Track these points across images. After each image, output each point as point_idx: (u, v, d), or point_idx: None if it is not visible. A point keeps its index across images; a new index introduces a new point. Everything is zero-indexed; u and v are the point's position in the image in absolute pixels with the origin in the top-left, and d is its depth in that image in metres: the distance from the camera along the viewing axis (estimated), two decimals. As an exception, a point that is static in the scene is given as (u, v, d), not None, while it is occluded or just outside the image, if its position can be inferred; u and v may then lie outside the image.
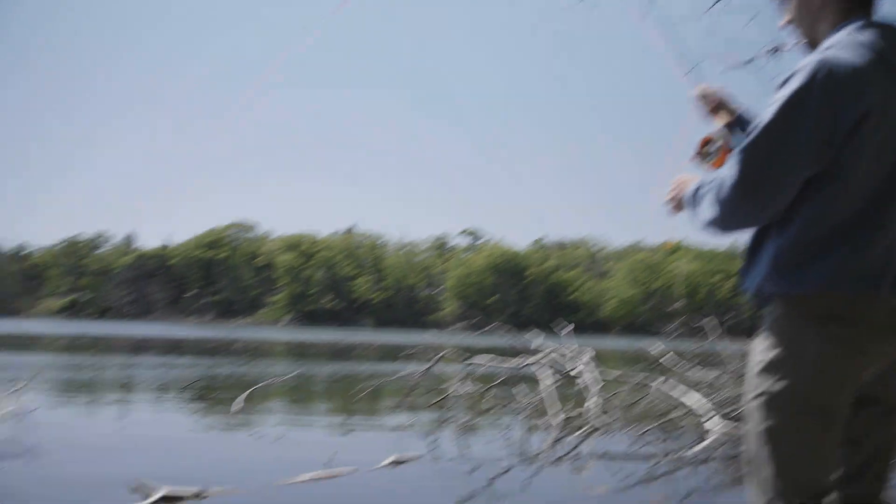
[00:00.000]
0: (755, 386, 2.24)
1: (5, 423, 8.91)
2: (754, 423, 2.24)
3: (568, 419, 9.92)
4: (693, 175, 2.53)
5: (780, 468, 2.18)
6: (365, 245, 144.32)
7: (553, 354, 10.94)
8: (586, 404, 9.88)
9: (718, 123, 2.68)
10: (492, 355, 12.65)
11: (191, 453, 7.30)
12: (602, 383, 10.38)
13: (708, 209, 2.28)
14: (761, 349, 2.26)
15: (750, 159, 2.13)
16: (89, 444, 7.65)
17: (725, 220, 2.26)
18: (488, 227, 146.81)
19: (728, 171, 2.19)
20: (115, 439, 8.02)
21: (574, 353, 11.10)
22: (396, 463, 6.94)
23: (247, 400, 11.06)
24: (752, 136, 2.15)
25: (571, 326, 12.94)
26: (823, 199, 2.13)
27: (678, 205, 2.54)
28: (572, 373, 10.68)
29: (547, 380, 10.47)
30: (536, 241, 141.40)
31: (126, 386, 15.24)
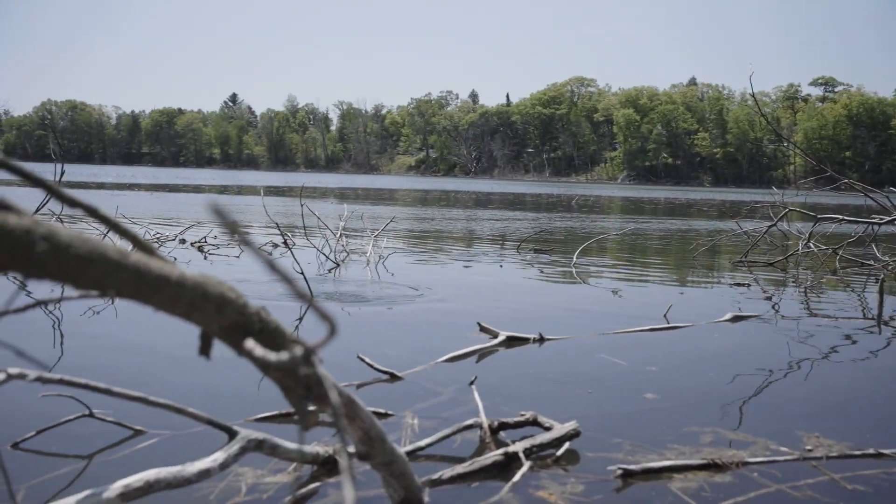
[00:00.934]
0: None
1: (369, 266, 9.81)
2: None
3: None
4: None
5: None
6: (708, 97, 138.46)
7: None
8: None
9: None
10: (843, 215, 11.75)
11: (530, 303, 7.57)
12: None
13: None
14: None
15: None
16: (440, 287, 8.19)
17: None
18: (845, 75, 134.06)
19: None
20: (463, 285, 8.53)
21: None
22: (736, 319, 6.76)
23: (583, 254, 11.25)
24: None
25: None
26: None
27: None
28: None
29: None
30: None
31: (470, 237, 16.10)
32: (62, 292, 5.23)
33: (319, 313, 1.08)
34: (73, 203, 1.29)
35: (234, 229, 1.05)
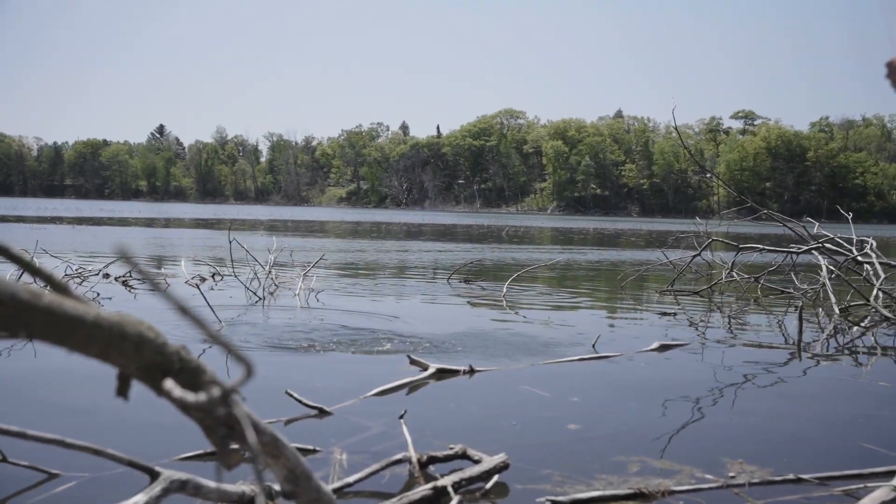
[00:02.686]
0: None
1: (298, 299, 9.74)
2: None
3: (847, 309, 9.35)
4: None
5: None
6: (634, 129, 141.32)
7: (830, 244, 10.25)
8: (872, 294, 9.26)
9: None
10: (764, 244, 12.09)
11: (461, 333, 7.59)
12: (888, 274, 9.65)
13: None
14: None
15: None
16: (371, 320, 8.16)
17: None
18: (764, 109, 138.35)
19: None
20: (394, 316, 8.51)
21: (856, 243, 10.37)
22: (663, 347, 6.87)
23: (514, 284, 11.33)
24: None
25: (850, 215, 12.05)
26: None
27: None
28: (856, 261, 9.99)
29: (825, 269, 9.87)
30: (819, 121, 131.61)
31: (402, 268, 16.10)
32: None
33: (235, 355, 1.07)
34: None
35: (143, 273, 1.04)
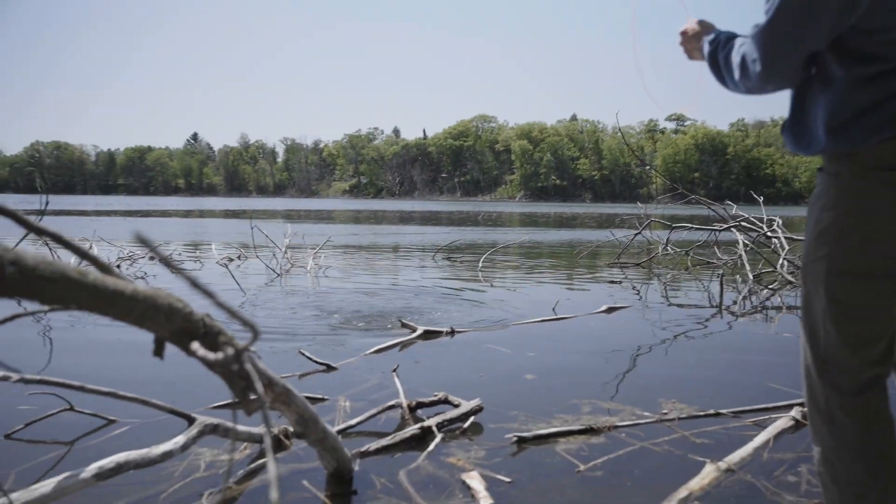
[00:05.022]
0: (815, 249, 1.84)
1: (309, 275, 9.71)
2: (818, 288, 1.84)
3: (759, 276, 9.43)
4: (704, 25, 2.09)
5: (847, 334, 1.82)
6: (586, 130, 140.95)
7: (746, 222, 10.32)
8: (778, 263, 9.33)
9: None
10: (693, 224, 12.13)
11: (444, 301, 7.60)
12: (791, 247, 9.72)
13: (743, 60, 1.83)
14: (821, 210, 1.82)
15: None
16: (370, 290, 8.16)
17: (766, 65, 1.76)
18: (693, 111, 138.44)
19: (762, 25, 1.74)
20: (388, 287, 8.51)
21: (766, 221, 10.44)
22: (610, 310, 6.91)
23: (487, 259, 11.34)
24: None
25: (762, 199, 12.13)
26: (861, 54, 1.70)
27: (692, 50, 2.13)
28: (766, 236, 10.06)
29: (741, 243, 9.94)
30: (737, 122, 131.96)
31: (395, 248, 16.07)
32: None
33: (243, 321, 1.08)
34: (39, 231, 1.27)
35: (160, 256, 1.04)
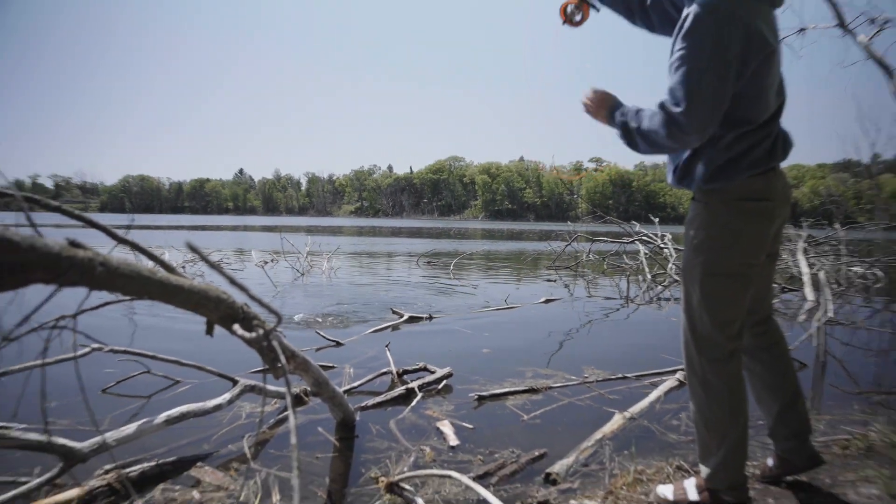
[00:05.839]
0: (693, 258, 1.87)
1: (324, 275, 9.63)
2: (694, 286, 1.88)
3: (655, 276, 9.52)
4: (607, 96, 1.93)
5: (716, 318, 1.86)
6: (531, 167, 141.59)
7: (645, 237, 10.42)
8: (668, 266, 9.42)
9: None
10: (608, 238, 12.21)
11: (424, 294, 7.58)
12: (678, 255, 9.82)
13: (654, 135, 1.74)
14: (696, 229, 1.86)
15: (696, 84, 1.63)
16: (369, 285, 8.11)
17: (675, 138, 1.70)
18: (608, 155, 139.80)
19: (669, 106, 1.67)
20: (382, 283, 8.47)
21: (660, 236, 10.55)
22: (547, 301, 6.93)
23: (458, 263, 11.32)
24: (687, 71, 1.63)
25: (657, 220, 12.27)
26: (740, 112, 1.73)
27: (596, 112, 1.94)
28: (660, 247, 10.16)
29: (642, 251, 10.04)
30: (639, 164, 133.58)
31: (389, 254, 16.01)
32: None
33: (268, 309, 1.08)
34: (123, 241, 1.26)
35: (206, 260, 1.04)
